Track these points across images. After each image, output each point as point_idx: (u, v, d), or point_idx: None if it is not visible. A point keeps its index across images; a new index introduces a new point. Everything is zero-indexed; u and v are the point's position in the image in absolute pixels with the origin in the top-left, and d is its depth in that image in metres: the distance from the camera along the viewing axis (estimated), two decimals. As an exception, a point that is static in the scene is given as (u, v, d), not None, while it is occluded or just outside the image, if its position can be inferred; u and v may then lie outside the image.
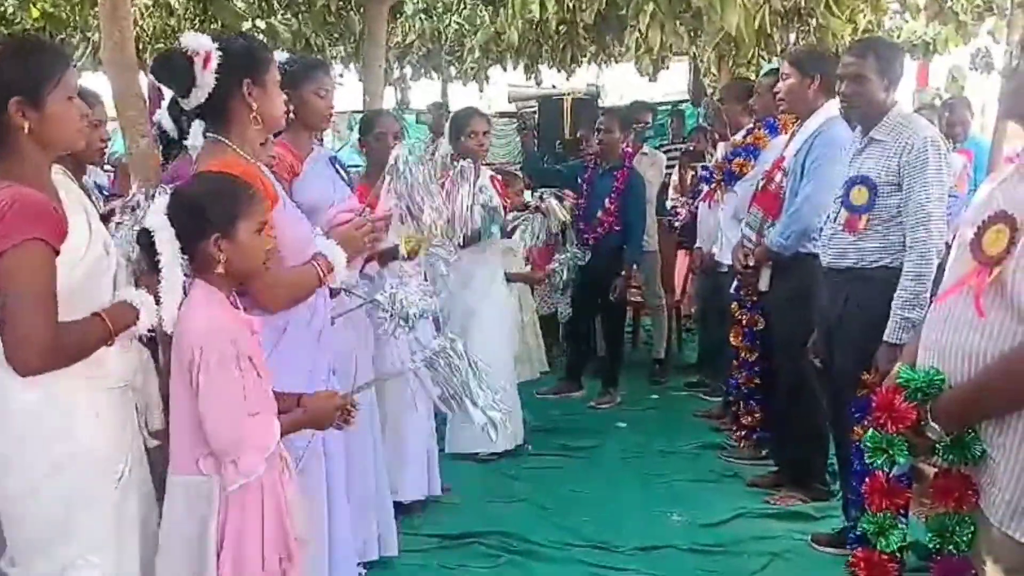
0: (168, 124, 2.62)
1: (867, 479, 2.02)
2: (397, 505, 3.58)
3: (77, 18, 6.05)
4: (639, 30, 3.83)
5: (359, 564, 3.03)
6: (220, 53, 2.28)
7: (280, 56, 2.98)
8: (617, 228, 5.35)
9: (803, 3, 3.78)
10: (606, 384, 5.63)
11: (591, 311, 5.64)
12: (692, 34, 5.62)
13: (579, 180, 5.50)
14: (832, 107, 3.73)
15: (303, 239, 2.48)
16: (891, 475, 1.98)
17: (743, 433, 4.46)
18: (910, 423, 1.82)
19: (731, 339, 4.33)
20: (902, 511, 2.07)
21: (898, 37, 9.09)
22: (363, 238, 2.62)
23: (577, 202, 5.28)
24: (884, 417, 1.87)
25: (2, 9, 7.27)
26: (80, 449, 1.94)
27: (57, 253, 1.85)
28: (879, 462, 1.92)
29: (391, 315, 2.83)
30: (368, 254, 3.01)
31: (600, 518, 3.82)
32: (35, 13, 5.74)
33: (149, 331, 2.05)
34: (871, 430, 1.93)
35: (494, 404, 2.43)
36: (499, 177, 4.88)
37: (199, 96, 2.31)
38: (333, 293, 2.83)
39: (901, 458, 1.90)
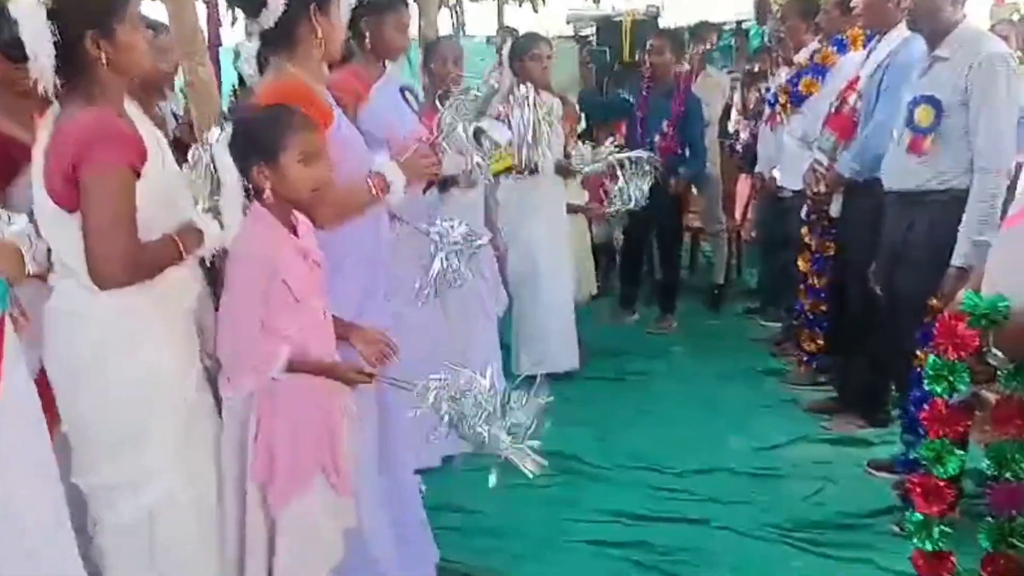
0: (250, 69, 2.67)
1: (926, 405, 2.00)
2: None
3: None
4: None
5: (416, 471, 3.09)
6: None
7: None
8: (676, 153, 5.27)
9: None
10: (663, 309, 5.62)
11: (646, 236, 5.61)
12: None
13: (634, 106, 5.41)
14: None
15: (357, 158, 2.53)
16: (951, 402, 1.97)
17: (805, 358, 4.44)
18: (972, 350, 1.80)
19: (800, 264, 4.27)
20: (961, 438, 2.05)
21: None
22: (425, 164, 2.64)
23: (631, 128, 5.19)
24: (946, 343, 1.86)
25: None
26: (152, 363, 2.04)
27: (138, 176, 1.96)
28: (939, 389, 1.91)
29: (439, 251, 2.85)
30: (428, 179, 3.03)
31: (656, 441, 3.87)
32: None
33: (211, 257, 2.14)
34: (932, 356, 1.92)
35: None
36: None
37: (268, 18, 2.40)
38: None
39: (962, 385, 1.88)
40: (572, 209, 4.98)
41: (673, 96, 5.30)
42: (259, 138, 2.12)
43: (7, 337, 1.87)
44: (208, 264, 2.20)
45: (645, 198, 4.46)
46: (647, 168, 4.64)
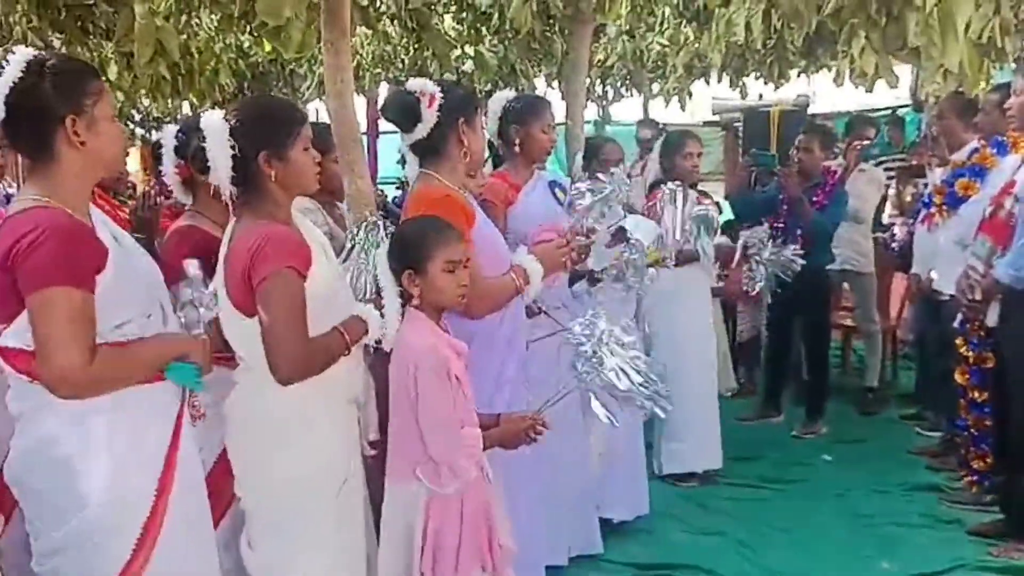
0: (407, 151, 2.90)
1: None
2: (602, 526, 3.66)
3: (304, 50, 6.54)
4: (851, 57, 3.62)
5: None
6: (442, 95, 2.61)
7: (506, 94, 3.40)
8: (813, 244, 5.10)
9: (1037, 11, 3.44)
10: (811, 412, 5.37)
11: (790, 330, 5.42)
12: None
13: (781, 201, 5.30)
14: (1073, 127, 3.39)
15: (500, 255, 2.74)
16: None
17: (974, 478, 4.13)
18: None
19: (957, 377, 4.01)
20: None
21: None
22: (562, 256, 2.84)
23: (775, 225, 5.10)
24: None
25: (240, 42, 7.96)
26: (316, 452, 2.22)
27: (304, 279, 2.13)
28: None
29: (587, 346, 2.85)
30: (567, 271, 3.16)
31: (800, 559, 3.66)
32: (267, 47, 6.26)
33: (375, 344, 2.32)
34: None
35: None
36: (700, 196, 4.82)
37: (422, 131, 2.64)
38: (531, 313, 3.00)
39: None
40: (718, 293, 4.91)
41: (818, 191, 5.17)
42: (408, 248, 2.32)
43: (184, 425, 2.06)
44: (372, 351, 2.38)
45: (787, 272, 4.50)
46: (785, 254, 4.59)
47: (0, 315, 1.90)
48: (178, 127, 2.86)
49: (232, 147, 2.13)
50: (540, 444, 2.51)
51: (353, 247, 2.67)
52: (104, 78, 6.84)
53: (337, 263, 2.41)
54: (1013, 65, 5.54)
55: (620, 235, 3.45)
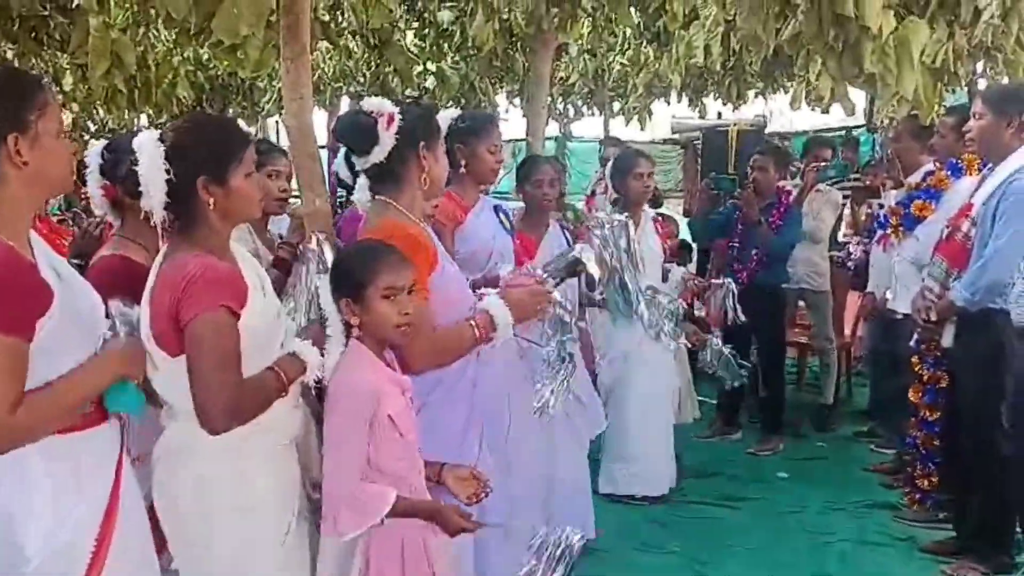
0: (344, 172, 2.77)
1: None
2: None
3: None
4: (807, 81, 3.67)
5: None
6: (400, 116, 2.40)
7: (451, 113, 3.16)
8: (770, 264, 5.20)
9: (990, 39, 3.51)
10: (766, 429, 5.42)
11: (746, 348, 5.46)
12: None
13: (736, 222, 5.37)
14: (1030, 151, 3.47)
15: (462, 299, 2.52)
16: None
17: (918, 496, 4.18)
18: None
19: (911, 395, 4.07)
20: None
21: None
22: (536, 305, 2.57)
23: (730, 244, 5.16)
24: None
25: (199, 55, 7.87)
26: (254, 501, 2.06)
27: (238, 317, 1.98)
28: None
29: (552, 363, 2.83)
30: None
31: (758, 577, 3.68)
32: (225, 62, 6.21)
33: (316, 383, 2.16)
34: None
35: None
36: (659, 219, 4.86)
37: (378, 155, 2.42)
38: None
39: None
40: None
41: (773, 211, 5.25)
42: (346, 274, 2.17)
43: (125, 469, 1.94)
44: (314, 390, 2.22)
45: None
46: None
47: None
48: (104, 145, 2.70)
49: (167, 171, 1.97)
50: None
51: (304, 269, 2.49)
52: (59, 89, 6.74)
53: (275, 298, 2.21)
54: (965, 89, 5.68)
55: (572, 268, 3.10)
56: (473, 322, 2.41)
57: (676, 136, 10.43)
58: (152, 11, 4.23)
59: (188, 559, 2.10)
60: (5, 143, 1.77)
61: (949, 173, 4.21)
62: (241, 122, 2.32)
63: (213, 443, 1.98)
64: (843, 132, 9.97)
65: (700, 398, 5.88)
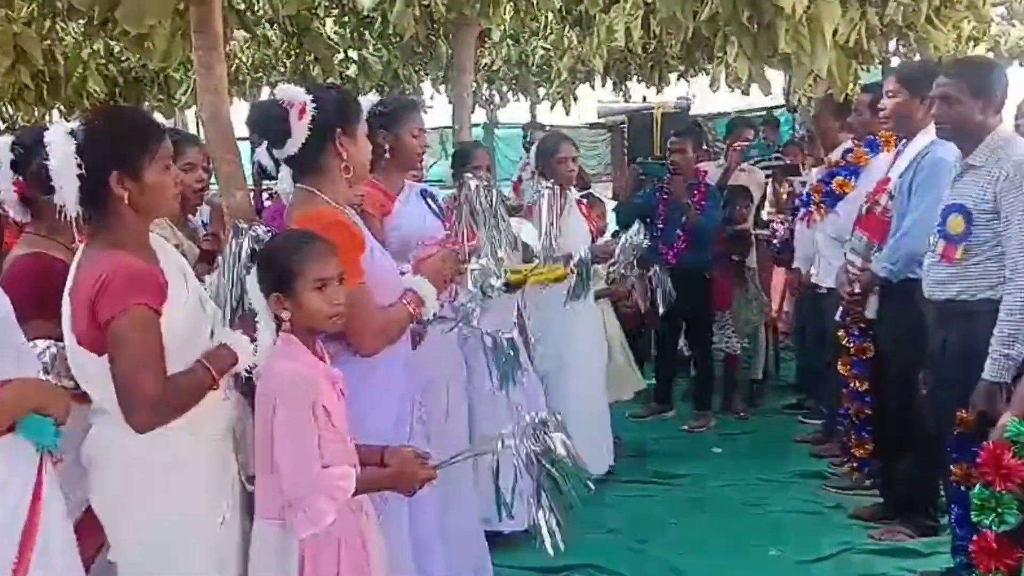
0: (268, 162, 2.70)
1: (975, 537, 1.91)
2: (493, 536, 3.56)
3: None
4: (726, 63, 3.73)
5: None
6: (314, 104, 2.35)
7: (371, 99, 3.12)
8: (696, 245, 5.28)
9: (901, 18, 3.61)
10: (697, 405, 5.53)
11: (676, 326, 5.56)
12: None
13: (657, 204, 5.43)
14: (941, 126, 3.58)
15: (392, 282, 2.52)
16: (1000, 533, 1.87)
17: (855, 465, 4.28)
18: (1020, 480, 1.72)
19: (839, 367, 4.17)
20: (1012, 571, 1.95)
21: (1005, 44, 8.65)
22: (449, 268, 2.64)
23: (654, 227, 5.22)
24: (992, 474, 1.78)
25: (110, 47, 7.62)
26: (184, 497, 2.03)
27: (159, 314, 1.94)
28: (987, 521, 1.82)
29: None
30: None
31: (693, 551, 3.73)
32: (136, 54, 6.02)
33: (247, 373, 2.14)
34: (978, 486, 1.84)
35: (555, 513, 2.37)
36: (584, 201, 4.89)
37: (293, 146, 2.37)
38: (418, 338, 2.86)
39: (1011, 516, 1.80)
40: (599, 295, 4.93)
41: (695, 192, 5.32)
42: (273, 268, 2.12)
43: (46, 475, 1.87)
44: (245, 379, 2.19)
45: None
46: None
47: None
48: (13, 139, 2.60)
49: (79, 165, 1.92)
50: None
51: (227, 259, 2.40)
52: (-37, 86, 6.42)
53: (199, 288, 2.17)
54: (879, 67, 5.84)
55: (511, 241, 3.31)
56: (405, 300, 2.45)
57: (602, 120, 10.52)
58: (57, 3, 4.08)
59: (125, 553, 2.07)
60: None
61: (868, 150, 4.32)
62: (157, 115, 2.26)
63: (139, 441, 1.95)
64: (763, 112, 10.16)
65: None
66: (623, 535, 3.93)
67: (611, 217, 6.00)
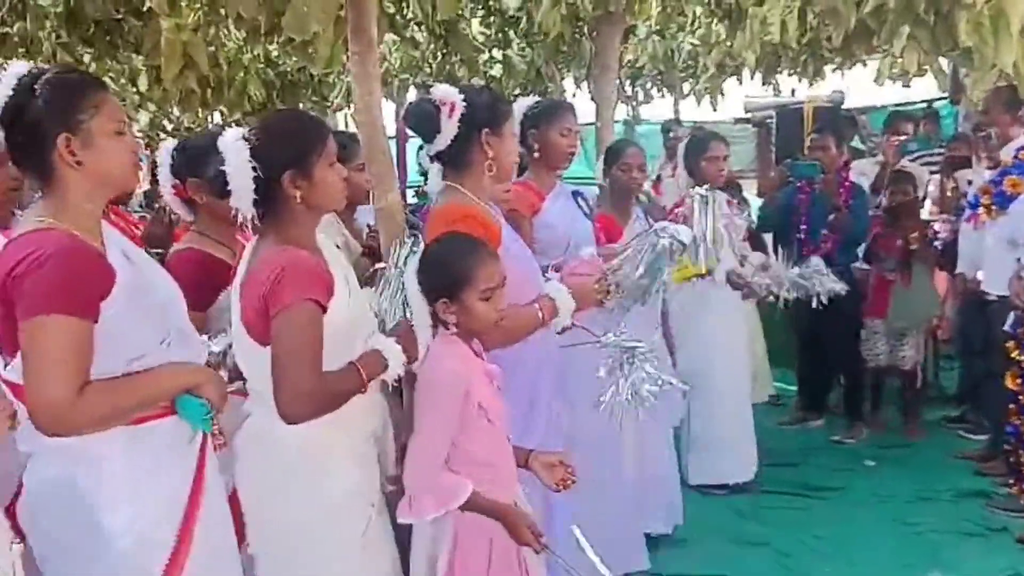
0: (426, 160, 2.79)
1: None
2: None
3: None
4: (892, 53, 3.50)
5: None
6: (464, 103, 2.45)
7: (528, 101, 3.23)
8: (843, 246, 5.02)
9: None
10: (849, 415, 5.26)
11: (818, 331, 5.27)
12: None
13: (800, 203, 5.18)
14: None
15: (525, 280, 2.55)
16: None
17: (1023, 486, 3.99)
18: None
19: (1008, 382, 3.88)
20: None
21: None
22: (597, 295, 2.65)
23: (800, 228, 5.00)
24: None
25: (268, 52, 7.98)
26: (335, 489, 2.08)
27: (325, 311, 2.00)
28: None
29: (616, 358, 2.79)
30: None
31: (845, 569, 3.57)
32: (295, 58, 6.27)
33: (395, 381, 2.19)
34: None
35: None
36: (734, 201, 4.74)
37: (442, 142, 2.49)
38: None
39: None
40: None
41: (840, 190, 5.06)
42: (441, 275, 2.16)
43: (208, 457, 1.97)
44: (391, 388, 2.25)
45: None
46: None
47: (6, 347, 1.81)
48: (175, 145, 2.73)
49: (254, 168, 2.00)
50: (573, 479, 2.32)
51: (391, 267, 2.50)
52: (135, 91, 6.87)
53: (359, 292, 2.23)
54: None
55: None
56: (538, 305, 2.49)
57: (748, 115, 10.18)
58: (222, 11, 4.29)
59: (266, 546, 2.12)
60: (56, 144, 1.79)
61: (1047, 147, 4.00)
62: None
63: (295, 434, 2.01)
64: (923, 105, 9.58)
65: (778, 384, 5.79)
66: (770, 548, 3.80)
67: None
